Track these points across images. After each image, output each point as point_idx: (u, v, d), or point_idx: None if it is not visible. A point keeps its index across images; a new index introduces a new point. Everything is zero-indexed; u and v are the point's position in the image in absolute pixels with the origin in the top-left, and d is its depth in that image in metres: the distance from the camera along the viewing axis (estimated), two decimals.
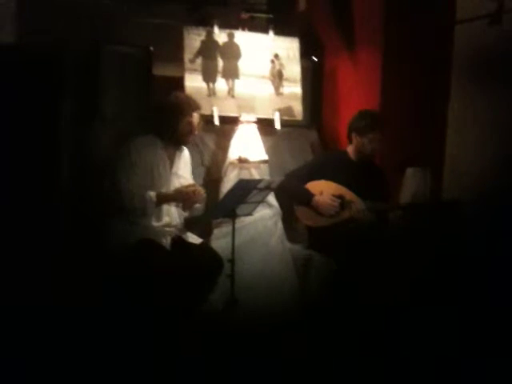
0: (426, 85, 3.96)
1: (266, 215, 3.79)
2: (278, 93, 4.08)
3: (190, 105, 3.34)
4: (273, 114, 4.00)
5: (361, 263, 3.36)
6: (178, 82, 3.77)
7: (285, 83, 4.09)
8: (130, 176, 3.17)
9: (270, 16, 4.23)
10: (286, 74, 4.10)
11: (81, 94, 3.55)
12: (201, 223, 3.60)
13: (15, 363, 2.85)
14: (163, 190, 3.26)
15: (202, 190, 3.30)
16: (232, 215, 3.17)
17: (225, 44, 3.99)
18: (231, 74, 3.97)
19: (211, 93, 3.89)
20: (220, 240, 3.61)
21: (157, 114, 3.35)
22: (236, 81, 3.97)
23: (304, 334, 3.34)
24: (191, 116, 3.31)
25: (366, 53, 4.16)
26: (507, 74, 3.48)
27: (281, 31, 4.13)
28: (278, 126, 4.00)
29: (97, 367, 2.88)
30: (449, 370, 2.93)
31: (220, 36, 3.97)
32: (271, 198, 3.80)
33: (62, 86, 3.48)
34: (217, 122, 3.83)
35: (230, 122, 3.91)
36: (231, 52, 3.99)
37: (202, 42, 3.91)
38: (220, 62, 3.94)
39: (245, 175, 3.76)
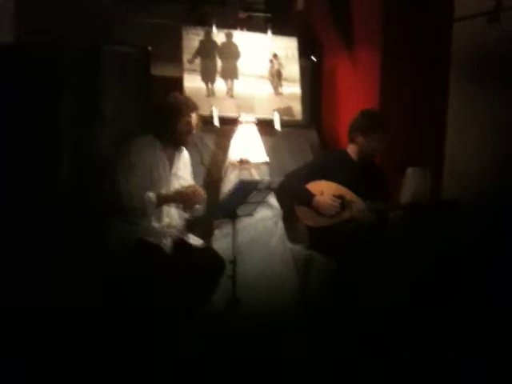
0: (425, 84, 3.96)
1: (266, 216, 3.79)
2: (277, 93, 4.08)
3: (188, 105, 3.33)
4: (272, 114, 4.00)
5: (361, 263, 3.36)
6: (177, 83, 3.76)
7: (284, 83, 4.09)
8: (130, 176, 3.16)
9: (268, 15, 4.23)
10: (284, 73, 4.10)
11: (80, 93, 3.54)
12: (201, 224, 3.60)
13: (15, 363, 2.84)
14: (163, 191, 3.25)
15: (201, 191, 3.30)
16: (232, 216, 3.17)
17: (223, 44, 3.98)
18: (230, 74, 3.97)
19: (210, 93, 3.89)
20: (221, 241, 3.61)
21: (155, 115, 3.35)
22: (235, 81, 3.96)
23: (305, 334, 3.34)
24: (189, 116, 3.30)
25: (365, 52, 4.17)
26: (507, 74, 3.48)
27: (279, 31, 4.13)
28: (277, 126, 4.00)
29: (96, 367, 2.88)
30: (449, 370, 2.93)
31: (218, 36, 3.97)
32: (271, 199, 3.80)
33: (61, 86, 3.47)
34: (216, 122, 3.83)
35: (229, 123, 3.91)
36: (230, 52, 3.99)
37: (201, 42, 3.91)
38: (219, 62, 3.94)
39: (245, 176, 3.76)
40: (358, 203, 3.56)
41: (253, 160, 3.81)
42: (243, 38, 4.04)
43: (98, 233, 3.33)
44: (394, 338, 3.21)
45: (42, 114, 3.41)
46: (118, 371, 2.86)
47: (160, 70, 3.83)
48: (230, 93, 3.95)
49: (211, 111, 3.83)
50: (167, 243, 3.26)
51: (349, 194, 3.60)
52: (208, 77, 3.90)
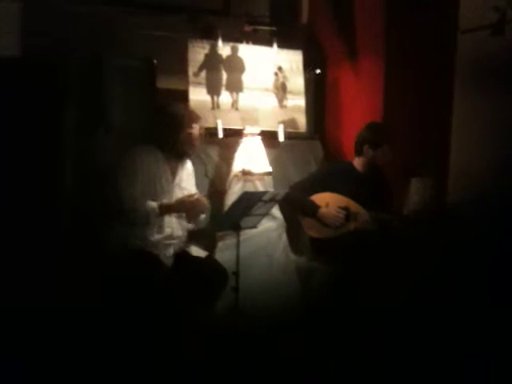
0: (429, 92, 3.96)
1: (270, 227, 3.79)
2: (281, 105, 4.09)
3: (190, 116, 3.35)
4: (276, 127, 4.01)
5: (366, 274, 3.35)
6: (182, 95, 3.78)
7: (288, 96, 4.10)
8: (131, 185, 3.17)
9: (274, 29, 4.26)
10: (289, 86, 4.11)
11: (85, 105, 3.57)
12: (205, 236, 3.60)
13: (14, 363, 2.86)
14: (165, 201, 3.26)
15: (204, 199, 3.30)
16: (236, 228, 3.17)
17: (228, 57, 4.00)
18: (235, 87, 3.98)
19: (215, 106, 3.90)
20: (224, 252, 3.60)
21: (157, 126, 3.36)
22: (240, 94, 3.98)
23: (309, 346, 3.32)
24: (191, 128, 3.32)
25: (369, 62, 4.18)
26: (510, 83, 3.48)
27: (284, 44, 4.15)
28: (281, 138, 4.01)
29: (95, 367, 2.90)
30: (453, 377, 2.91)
31: (224, 49, 3.99)
32: (275, 211, 3.80)
33: (67, 97, 3.50)
34: (221, 134, 3.84)
35: (234, 135, 3.92)
36: (235, 65, 4.01)
37: (206, 56, 3.93)
38: (224, 75, 3.95)
39: (249, 187, 3.76)
40: (363, 214, 3.57)
41: (255, 171, 3.82)
42: (248, 52, 4.06)
43: (99, 240, 3.33)
44: (400, 347, 3.18)
45: (47, 123, 3.44)
46: (116, 371, 2.87)
47: (164, 83, 3.86)
48: (234, 105, 3.96)
49: (216, 124, 3.84)
50: (168, 254, 3.26)
51: (354, 206, 3.60)
52: (213, 90, 3.92)
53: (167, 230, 3.28)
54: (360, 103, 4.26)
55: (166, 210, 3.23)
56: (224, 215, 3.39)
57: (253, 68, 4.03)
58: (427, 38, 3.91)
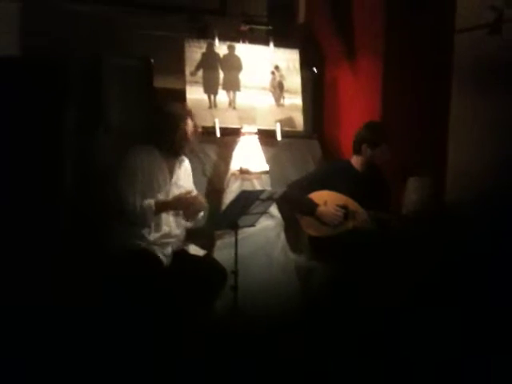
0: (427, 92, 3.98)
1: (268, 226, 3.78)
2: (278, 104, 4.08)
3: (182, 113, 3.34)
4: (274, 125, 4.01)
5: (364, 272, 3.35)
6: (179, 94, 3.77)
7: (285, 94, 4.10)
8: (130, 186, 3.16)
9: (270, 28, 4.25)
10: (286, 85, 4.11)
11: (84, 104, 3.55)
12: (203, 234, 3.59)
13: (14, 363, 2.85)
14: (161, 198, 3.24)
15: (202, 197, 3.30)
16: (234, 226, 3.16)
17: (225, 56, 3.99)
18: (232, 86, 3.98)
19: (212, 105, 3.89)
20: (222, 251, 3.58)
21: (152, 125, 3.36)
22: (237, 93, 3.97)
23: (307, 345, 3.32)
24: (185, 124, 3.30)
25: (367, 61, 4.18)
26: (508, 82, 3.49)
27: (281, 43, 4.15)
28: (279, 136, 4.01)
29: (94, 368, 2.88)
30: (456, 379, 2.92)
31: (221, 48, 3.98)
32: (273, 209, 3.79)
33: (66, 97, 3.48)
34: (218, 133, 3.84)
35: (231, 134, 3.91)
36: (232, 64, 4.00)
37: (203, 55, 3.92)
38: (221, 74, 3.95)
39: (247, 186, 3.75)
40: (361, 213, 3.57)
41: (253, 170, 3.81)
42: (245, 51, 4.06)
43: (98, 240, 3.32)
44: (400, 347, 3.19)
45: (46, 123, 3.43)
46: (116, 371, 2.86)
47: (162, 82, 3.85)
48: (232, 104, 3.96)
49: (213, 123, 3.84)
50: (167, 253, 3.25)
51: (352, 204, 3.60)
52: (210, 89, 3.91)
53: (165, 229, 3.27)
54: (358, 103, 4.27)
55: (163, 207, 3.22)
56: (222, 214, 3.37)
57: (250, 67, 4.03)
58: (425, 38, 3.92)
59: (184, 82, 3.83)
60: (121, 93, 3.64)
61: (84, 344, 3.03)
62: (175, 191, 3.32)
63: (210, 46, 3.95)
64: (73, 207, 3.43)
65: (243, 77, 4.01)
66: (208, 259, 3.37)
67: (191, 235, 3.47)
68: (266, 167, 3.89)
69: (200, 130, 3.44)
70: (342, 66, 4.41)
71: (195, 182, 3.53)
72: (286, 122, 4.07)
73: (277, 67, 4.12)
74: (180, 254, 3.30)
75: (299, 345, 3.29)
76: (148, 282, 2.98)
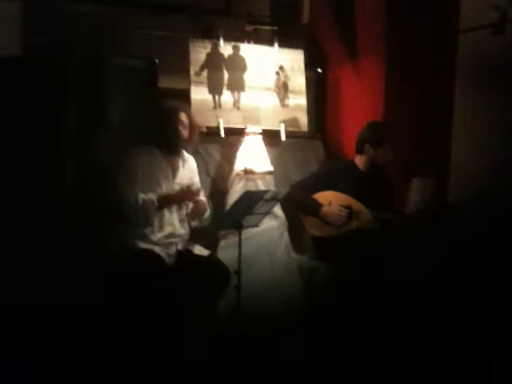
0: (430, 92, 3.97)
1: (271, 226, 3.79)
2: (283, 104, 4.10)
3: (174, 107, 3.35)
4: (278, 126, 4.02)
5: (368, 273, 3.35)
6: (183, 94, 3.79)
7: (290, 95, 4.11)
8: (131, 187, 3.17)
9: (275, 28, 4.27)
10: (291, 85, 4.13)
11: (86, 105, 3.56)
12: (207, 234, 3.60)
13: (14, 363, 2.86)
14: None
15: (203, 199, 3.31)
16: (238, 226, 3.17)
17: (230, 56, 4.01)
18: (237, 86, 3.99)
19: (217, 105, 3.91)
20: (226, 251, 3.60)
21: (149, 125, 3.38)
22: (241, 93, 3.99)
23: (310, 345, 3.33)
24: (177, 118, 3.31)
25: (369, 62, 4.19)
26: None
27: (285, 43, 4.16)
28: (283, 137, 4.02)
29: (96, 368, 2.90)
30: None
31: (225, 48, 4.00)
32: (277, 209, 3.80)
33: (68, 97, 3.49)
34: (222, 134, 3.85)
35: (235, 134, 3.93)
36: (236, 64, 4.02)
37: (208, 55, 3.94)
38: (225, 75, 3.96)
39: (251, 186, 3.77)
40: (365, 213, 3.58)
41: (257, 170, 3.82)
42: (250, 51, 4.07)
43: (100, 240, 3.33)
44: (402, 346, 3.19)
45: (47, 123, 3.44)
46: (118, 371, 2.87)
47: (166, 82, 3.85)
48: (236, 105, 3.97)
49: (218, 123, 3.86)
50: (171, 253, 3.26)
51: (356, 205, 3.61)
52: (215, 89, 3.93)
53: (168, 229, 3.28)
54: (361, 103, 4.27)
55: (165, 201, 3.23)
56: (226, 214, 3.39)
57: (254, 67, 4.05)
58: (429, 38, 3.92)
59: (188, 82, 3.86)
60: (123, 93, 3.64)
61: (85, 344, 3.04)
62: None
63: (215, 47, 3.97)
64: (73, 207, 3.44)
65: (248, 77, 4.02)
66: (212, 259, 3.37)
67: (195, 235, 3.48)
68: (270, 167, 3.90)
69: (198, 125, 3.45)
70: (344, 67, 4.42)
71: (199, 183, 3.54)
72: (291, 122, 4.08)
73: (281, 67, 4.13)
74: (184, 254, 3.31)
75: (302, 345, 3.30)
76: (149, 282, 2.99)
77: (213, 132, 3.87)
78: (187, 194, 3.26)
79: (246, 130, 3.92)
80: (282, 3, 4.54)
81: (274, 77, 4.11)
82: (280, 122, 4.03)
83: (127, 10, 4.23)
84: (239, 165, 3.85)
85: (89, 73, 3.55)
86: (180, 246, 3.33)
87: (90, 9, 4.07)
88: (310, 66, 4.28)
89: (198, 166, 3.58)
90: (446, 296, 3.32)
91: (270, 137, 3.99)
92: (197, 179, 3.50)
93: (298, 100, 4.13)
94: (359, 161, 3.75)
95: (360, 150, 3.72)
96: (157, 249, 3.20)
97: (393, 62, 4.03)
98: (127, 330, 2.97)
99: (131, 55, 3.81)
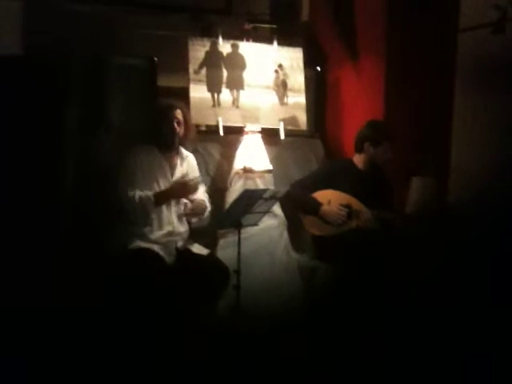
0: (430, 92, 3.97)
1: (271, 225, 3.78)
2: (282, 103, 4.09)
3: (169, 104, 3.34)
4: (277, 124, 4.01)
5: (367, 272, 3.36)
6: (182, 93, 3.77)
7: (289, 93, 4.10)
8: (130, 186, 3.17)
9: (274, 26, 4.25)
10: (290, 84, 4.11)
11: (86, 105, 3.55)
12: (206, 233, 3.59)
13: (14, 363, 2.85)
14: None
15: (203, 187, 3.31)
16: (237, 225, 3.16)
17: (229, 55, 3.99)
18: (236, 84, 3.98)
19: (216, 103, 3.90)
20: (225, 250, 3.59)
21: (147, 125, 3.38)
22: (240, 91, 3.97)
23: (311, 345, 3.32)
24: (172, 115, 3.31)
25: (370, 62, 4.19)
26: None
27: (284, 41, 4.15)
28: (282, 135, 4.01)
29: (96, 368, 2.89)
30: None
31: (224, 47, 3.98)
32: (276, 208, 3.79)
33: (67, 97, 3.49)
34: (221, 132, 3.84)
35: (234, 132, 3.92)
36: (236, 63, 4.00)
37: (207, 53, 3.92)
38: (224, 73, 3.95)
39: (250, 185, 3.76)
40: (365, 212, 3.58)
41: (256, 168, 3.82)
42: (249, 49, 4.05)
43: (100, 240, 3.33)
44: (402, 346, 3.19)
45: (47, 122, 3.43)
46: (119, 371, 2.86)
47: (165, 81, 3.84)
48: (235, 103, 3.96)
49: (217, 121, 3.84)
50: (170, 252, 3.25)
51: (356, 204, 3.61)
52: (214, 87, 3.91)
53: (167, 227, 3.28)
54: (361, 102, 4.27)
55: (162, 196, 3.22)
56: (225, 213, 3.38)
57: (253, 65, 4.03)
58: (429, 37, 3.92)
59: (187, 81, 3.84)
60: (123, 92, 3.63)
61: (85, 344, 3.03)
62: None
63: (214, 45, 3.95)
64: (73, 206, 3.44)
65: (247, 75, 4.01)
66: (211, 258, 3.36)
67: (195, 234, 3.48)
68: (270, 166, 3.89)
69: (193, 122, 3.45)
70: (344, 66, 4.41)
71: None
72: (290, 120, 4.07)
73: (280, 66, 4.12)
74: (183, 253, 3.30)
75: (302, 344, 3.29)
76: (149, 281, 2.99)
77: (212, 130, 3.87)
78: (181, 186, 3.23)
79: (245, 129, 3.91)
80: (281, 1, 4.54)
81: (273, 75, 4.09)
82: (279, 121, 4.02)
83: (127, 10, 4.22)
84: (238, 163, 3.84)
85: (89, 72, 3.55)
86: (179, 245, 3.32)
87: (91, 8, 4.06)
88: (309, 64, 4.27)
89: (197, 165, 3.57)
90: (445, 296, 3.32)
91: (269, 135, 3.99)
92: (197, 175, 3.48)
93: (297, 98, 4.12)
94: (358, 159, 3.74)
95: (359, 149, 3.72)
96: (156, 247, 3.20)
97: (393, 62, 4.03)
98: (127, 329, 2.97)
99: (131, 54, 3.81)
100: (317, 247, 3.70)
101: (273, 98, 4.07)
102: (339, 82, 4.48)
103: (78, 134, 3.50)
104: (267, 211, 3.36)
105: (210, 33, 3.98)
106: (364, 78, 4.26)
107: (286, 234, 3.87)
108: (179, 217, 3.35)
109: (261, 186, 3.79)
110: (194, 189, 3.28)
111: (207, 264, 3.28)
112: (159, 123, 3.30)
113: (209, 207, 3.45)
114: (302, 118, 4.11)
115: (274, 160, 3.97)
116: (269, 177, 3.90)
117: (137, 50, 3.93)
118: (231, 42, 4.00)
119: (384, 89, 4.06)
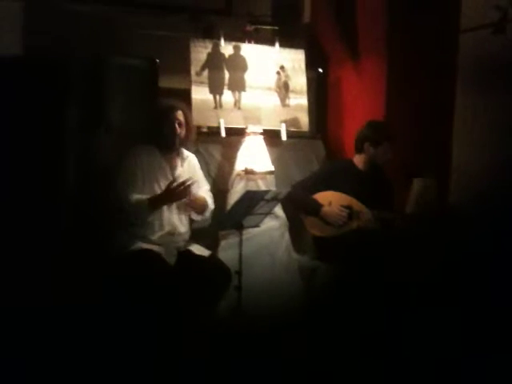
0: (431, 92, 3.97)
1: (272, 226, 3.79)
2: (284, 104, 4.10)
3: (170, 105, 3.35)
4: (279, 126, 4.02)
5: (368, 272, 3.36)
6: (184, 94, 3.79)
7: (291, 95, 4.11)
8: (130, 186, 3.19)
9: (276, 28, 4.26)
10: (291, 85, 4.12)
11: (86, 105, 3.57)
12: (208, 234, 3.61)
13: (14, 363, 2.87)
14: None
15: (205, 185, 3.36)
16: (239, 227, 3.17)
17: (231, 56, 4.01)
18: (237, 86, 3.99)
19: (218, 105, 3.92)
20: (227, 251, 3.61)
21: (148, 125, 3.39)
22: (242, 93, 3.99)
23: (312, 345, 3.33)
24: (174, 115, 3.32)
25: (371, 62, 4.20)
26: None
27: (286, 43, 4.16)
28: (284, 137, 4.02)
29: (97, 368, 2.90)
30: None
31: (226, 48, 4.00)
32: (278, 210, 3.80)
33: (67, 97, 3.51)
34: (223, 133, 3.86)
35: (236, 134, 3.93)
36: (237, 64, 4.02)
37: (208, 55, 3.94)
38: (226, 75, 3.96)
39: (251, 186, 3.77)
40: (365, 213, 3.58)
41: (258, 170, 3.83)
42: (251, 51, 4.07)
43: (100, 240, 3.35)
44: (402, 347, 3.19)
45: (48, 122, 3.46)
46: (119, 371, 2.88)
47: (166, 82, 3.87)
48: (237, 105, 3.98)
49: (219, 123, 3.86)
50: (171, 253, 3.26)
51: (356, 204, 3.62)
52: (216, 89, 3.93)
53: (168, 228, 3.29)
54: (362, 103, 4.28)
55: (156, 201, 3.18)
56: (227, 214, 3.39)
57: (255, 67, 4.05)
58: (429, 38, 3.92)
59: (189, 82, 3.85)
60: (123, 93, 3.65)
61: (85, 344, 3.05)
62: None
63: (216, 46, 3.97)
64: (74, 206, 3.45)
65: (248, 77, 4.02)
66: (213, 260, 3.37)
67: (196, 235, 3.49)
68: (271, 167, 3.90)
69: (194, 123, 3.46)
70: (345, 67, 4.43)
71: None
72: (292, 122, 4.08)
73: (282, 67, 4.13)
74: (185, 254, 3.31)
75: (302, 344, 3.30)
76: (150, 282, 3.00)
77: (214, 132, 3.89)
78: (172, 191, 3.16)
79: (247, 130, 3.92)
80: (282, 3, 4.55)
81: (275, 77, 4.11)
82: (281, 122, 4.03)
83: (127, 10, 4.24)
84: (240, 165, 3.85)
85: (89, 72, 3.56)
86: (181, 246, 3.34)
87: (91, 9, 4.08)
88: (310, 65, 4.28)
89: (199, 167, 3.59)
90: (445, 296, 3.32)
91: (270, 137, 4.00)
92: (199, 175, 3.50)
93: (299, 100, 4.13)
94: (358, 160, 3.75)
95: (359, 149, 3.73)
96: (157, 248, 3.21)
97: (394, 62, 4.04)
98: (128, 329, 2.98)
99: (132, 55, 3.82)
100: (318, 248, 3.71)
101: (275, 99, 4.08)
102: (340, 82, 4.49)
103: (78, 134, 3.52)
104: (269, 213, 3.37)
105: (211, 34, 4.00)
106: (365, 78, 4.27)
107: (287, 235, 3.88)
108: (180, 217, 3.36)
109: (262, 187, 3.80)
110: (185, 193, 3.22)
111: (209, 265, 3.28)
112: (160, 124, 3.32)
113: (211, 206, 3.46)
114: (304, 119, 4.12)
115: (275, 161, 3.97)
116: (270, 178, 3.91)
117: (137, 51, 3.95)
118: (233, 43, 4.02)
119: (385, 89, 4.07)
